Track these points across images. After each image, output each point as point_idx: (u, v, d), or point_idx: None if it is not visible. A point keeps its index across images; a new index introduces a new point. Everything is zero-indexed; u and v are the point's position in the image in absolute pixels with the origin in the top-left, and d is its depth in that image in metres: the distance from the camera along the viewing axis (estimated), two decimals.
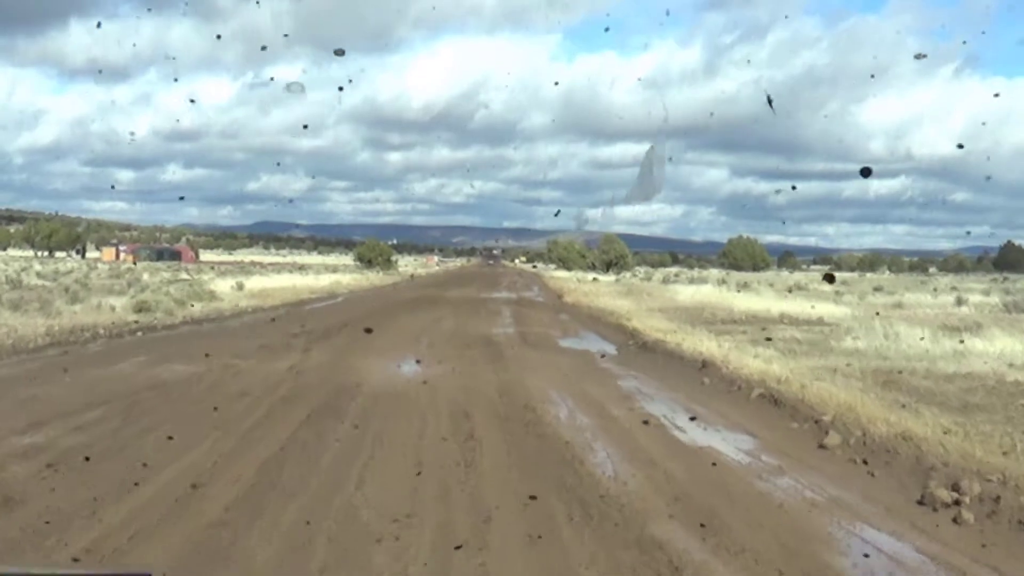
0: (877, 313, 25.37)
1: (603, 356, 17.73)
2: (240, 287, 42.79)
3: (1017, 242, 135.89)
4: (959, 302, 33.08)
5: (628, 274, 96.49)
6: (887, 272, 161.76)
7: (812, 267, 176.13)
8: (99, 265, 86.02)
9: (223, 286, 42.77)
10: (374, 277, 70.40)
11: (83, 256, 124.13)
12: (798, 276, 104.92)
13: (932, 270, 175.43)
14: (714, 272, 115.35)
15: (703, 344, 17.61)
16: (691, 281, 64.23)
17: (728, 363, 14.91)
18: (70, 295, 30.88)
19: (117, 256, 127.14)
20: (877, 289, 48.56)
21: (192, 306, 28.54)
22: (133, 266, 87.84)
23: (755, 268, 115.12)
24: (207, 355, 15.31)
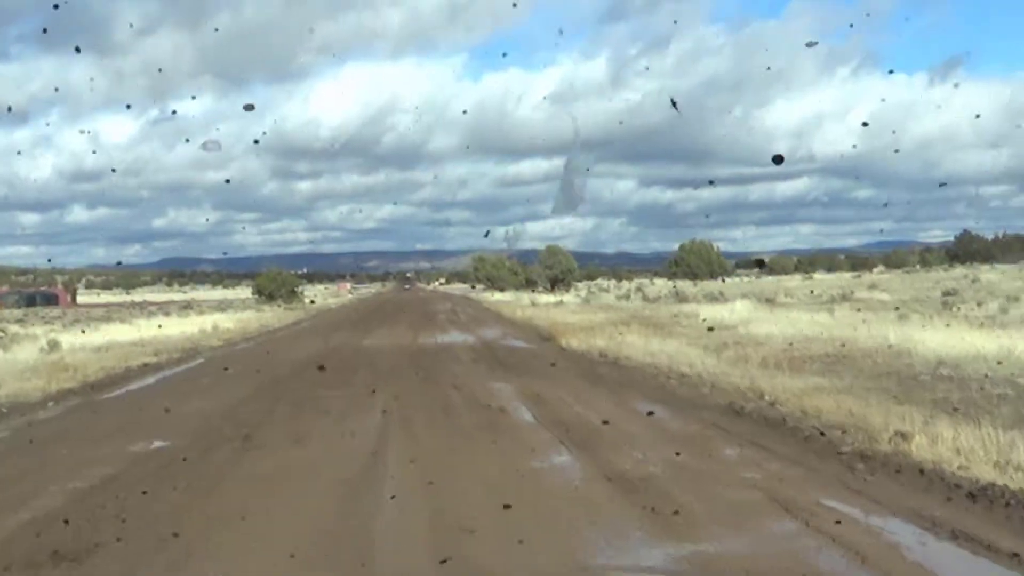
0: None
1: None
2: (51, 348, 26.95)
3: (974, 232, 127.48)
4: None
5: (577, 292, 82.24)
6: (824, 273, 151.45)
7: (738, 271, 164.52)
8: None
9: (29, 349, 26.94)
10: (270, 314, 54.26)
11: None
12: (765, 282, 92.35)
13: (877, 269, 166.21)
14: (664, 283, 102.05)
15: None
16: (686, 300, 50.38)
17: None
18: None
19: None
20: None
21: None
22: None
23: (712, 276, 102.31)
24: None
